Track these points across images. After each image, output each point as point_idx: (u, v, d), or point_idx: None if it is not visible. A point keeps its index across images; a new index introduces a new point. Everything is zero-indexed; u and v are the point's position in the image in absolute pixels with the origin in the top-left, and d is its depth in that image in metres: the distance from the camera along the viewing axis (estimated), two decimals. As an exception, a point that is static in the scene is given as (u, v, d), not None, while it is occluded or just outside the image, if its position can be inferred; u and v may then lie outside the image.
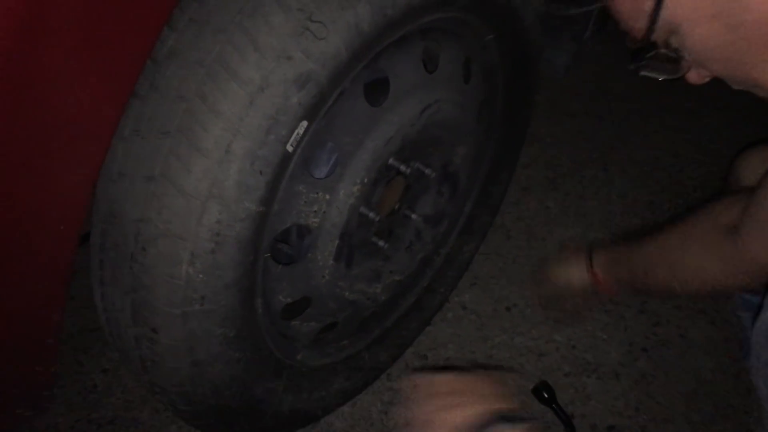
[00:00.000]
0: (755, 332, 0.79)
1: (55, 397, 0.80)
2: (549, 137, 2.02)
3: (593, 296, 1.21)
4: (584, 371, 1.46)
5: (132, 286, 0.78)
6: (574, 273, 1.20)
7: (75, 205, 0.69)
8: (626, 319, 1.56)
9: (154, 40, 0.68)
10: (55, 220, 0.67)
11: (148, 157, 0.74)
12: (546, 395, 1.35)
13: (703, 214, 1.01)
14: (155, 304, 0.78)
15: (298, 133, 0.78)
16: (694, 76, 0.70)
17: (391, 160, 1.00)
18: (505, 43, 1.14)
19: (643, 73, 0.69)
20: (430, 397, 0.77)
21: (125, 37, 0.65)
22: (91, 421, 1.29)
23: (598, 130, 2.09)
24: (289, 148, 0.79)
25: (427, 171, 1.11)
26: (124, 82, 0.68)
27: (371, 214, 1.02)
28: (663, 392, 1.43)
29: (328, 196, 0.92)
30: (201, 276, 0.77)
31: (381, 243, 1.10)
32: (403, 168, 1.04)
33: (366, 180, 0.95)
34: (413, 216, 1.18)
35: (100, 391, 1.34)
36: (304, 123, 0.79)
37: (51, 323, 0.74)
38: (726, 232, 0.95)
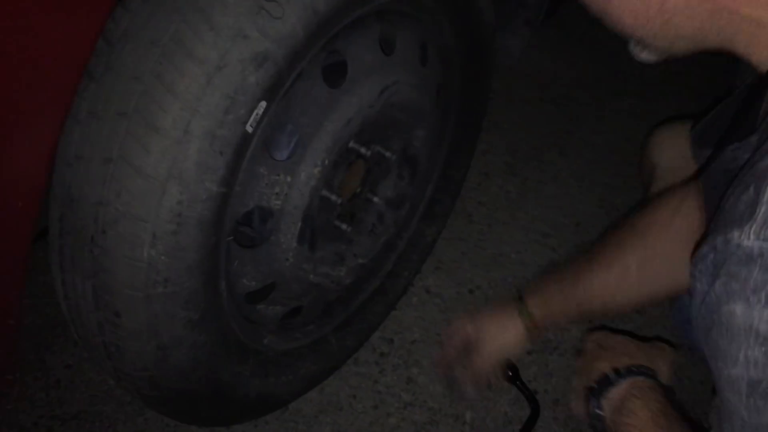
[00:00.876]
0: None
1: (21, 385, 0.78)
2: (507, 123, 2.05)
3: (531, 340, 1.11)
4: (546, 349, 1.49)
5: (93, 270, 0.78)
6: (508, 328, 1.09)
7: (32, 184, 0.68)
8: (586, 298, 1.60)
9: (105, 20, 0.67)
10: (11, 199, 0.66)
11: (105, 139, 0.73)
12: (510, 373, 1.37)
13: (659, 229, 0.98)
14: (117, 288, 0.78)
15: (257, 114, 0.79)
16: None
17: (351, 143, 1.01)
18: (460, 27, 1.16)
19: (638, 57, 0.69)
20: (600, 348, 0.91)
21: (74, 17, 0.65)
22: (54, 417, 1.27)
23: (554, 115, 2.13)
24: (249, 129, 0.79)
25: (388, 154, 1.13)
26: (74, 63, 0.67)
27: (333, 197, 1.03)
28: (623, 366, 1.47)
29: (289, 178, 0.93)
30: (163, 258, 0.77)
31: (344, 226, 1.11)
32: (363, 151, 1.05)
33: (327, 162, 0.96)
34: (375, 199, 1.19)
35: (63, 386, 1.32)
36: (263, 103, 0.79)
37: (12, 304, 0.73)
38: (689, 243, 0.95)
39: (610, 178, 1.93)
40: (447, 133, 1.32)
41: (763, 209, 0.49)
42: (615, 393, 0.84)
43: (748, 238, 0.49)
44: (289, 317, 1.12)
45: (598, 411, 0.85)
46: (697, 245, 0.59)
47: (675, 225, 0.96)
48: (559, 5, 1.49)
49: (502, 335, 1.09)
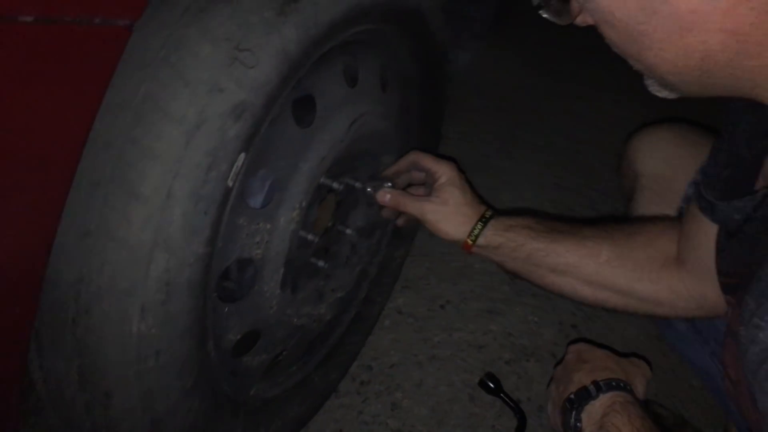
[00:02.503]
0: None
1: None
2: (455, 134, 2.06)
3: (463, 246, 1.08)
4: (523, 356, 1.50)
5: (77, 351, 0.72)
6: (451, 237, 1.07)
7: (29, 284, 0.62)
8: (553, 300, 1.62)
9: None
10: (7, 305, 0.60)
11: (80, 211, 0.68)
12: (492, 386, 1.38)
13: (645, 240, 0.99)
14: (106, 367, 0.72)
15: (237, 167, 0.75)
16: (578, 19, 0.70)
17: (322, 179, 0.98)
18: (416, 49, 1.15)
19: (542, 13, 0.69)
20: (580, 359, 0.94)
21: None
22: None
23: (498, 121, 2.17)
24: (230, 183, 0.75)
25: (357, 184, 1.10)
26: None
27: (310, 236, 1.00)
28: (597, 364, 1.50)
29: (269, 226, 0.89)
30: (153, 330, 0.72)
31: (320, 263, 1.08)
32: (335, 185, 1.02)
33: (304, 203, 0.93)
34: (347, 231, 1.16)
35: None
36: (242, 155, 0.75)
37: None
38: (665, 265, 0.96)
39: (560, 179, 1.97)
40: (409, 155, 1.31)
41: None
42: (595, 407, 0.84)
43: None
44: (273, 362, 1.08)
45: (578, 424, 0.85)
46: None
47: (659, 243, 0.97)
48: (503, 19, 1.51)
49: (444, 221, 1.06)
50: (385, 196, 1.08)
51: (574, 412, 0.86)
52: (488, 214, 1.07)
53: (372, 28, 0.97)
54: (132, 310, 0.70)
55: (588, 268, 0.99)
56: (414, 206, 1.07)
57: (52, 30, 0.45)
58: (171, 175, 0.68)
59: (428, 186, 1.11)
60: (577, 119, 2.20)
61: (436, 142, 1.43)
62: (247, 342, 0.98)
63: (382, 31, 1.02)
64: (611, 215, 1.81)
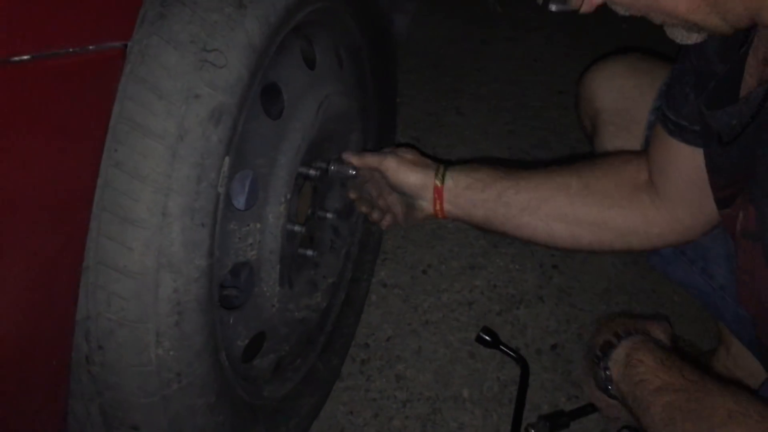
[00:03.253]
0: None
1: None
2: (399, 98, 2.05)
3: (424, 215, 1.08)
4: (512, 305, 1.53)
5: (96, 390, 0.69)
6: (416, 182, 1.03)
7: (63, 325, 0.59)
8: (530, 245, 1.65)
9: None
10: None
11: (74, 247, 0.64)
12: (489, 339, 1.40)
13: (610, 170, 0.98)
14: (129, 400, 0.70)
15: (223, 172, 0.73)
16: (584, 7, 0.69)
17: (300, 168, 0.96)
18: (363, 21, 1.13)
19: (551, 7, 0.69)
20: (603, 325, 0.92)
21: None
22: None
23: (438, 78, 2.17)
24: (220, 190, 0.73)
25: (331, 167, 1.09)
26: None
27: (296, 228, 0.98)
28: (583, 299, 1.55)
29: (259, 225, 0.87)
30: (172, 353, 0.70)
31: (309, 252, 1.07)
32: (311, 173, 1.00)
33: (288, 196, 0.91)
34: (327, 215, 1.15)
35: None
36: (227, 159, 0.73)
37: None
38: (636, 190, 0.96)
39: (510, 125, 2.00)
40: (371, 127, 1.30)
41: None
42: (619, 353, 0.86)
43: None
44: (280, 361, 1.07)
45: (606, 373, 0.87)
46: None
47: (625, 170, 0.98)
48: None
49: (405, 182, 1.04)
50: (349, 155, 1.08)
51: (602, 363, 0.88)
52: (447, 163, 1.06)
53: (322, 6, 0.95)
54: (148, 338, 0.68)
55: (559, 200, 0.98)
56: (376, 158, 1.06)
57: (50, 64, 0.41)
58: (163, 193, 0.65)
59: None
60: (514, 62, 2.22)
61: (392, 114, 1.42)
62: (254, 345, 0.96)
63: (331, 8, 0.99)
64: (569, 155, 1.84)
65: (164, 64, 0.65)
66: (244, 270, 0.89)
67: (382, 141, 1.35)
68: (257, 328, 0.94)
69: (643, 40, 1.26)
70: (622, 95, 1.15)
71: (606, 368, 0.87)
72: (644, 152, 0.98)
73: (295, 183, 0.97)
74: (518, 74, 2.18)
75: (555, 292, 1.55)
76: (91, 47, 0.44)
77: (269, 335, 0.97)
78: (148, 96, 0.64)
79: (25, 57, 0.38)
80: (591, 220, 0.98)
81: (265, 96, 0.89)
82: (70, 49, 0.42)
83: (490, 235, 1.66)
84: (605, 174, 0.99)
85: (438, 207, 1.04)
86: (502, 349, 1.39)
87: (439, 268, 1.61)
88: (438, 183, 1.02)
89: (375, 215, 1.15)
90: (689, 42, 0.68)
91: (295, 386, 1.13)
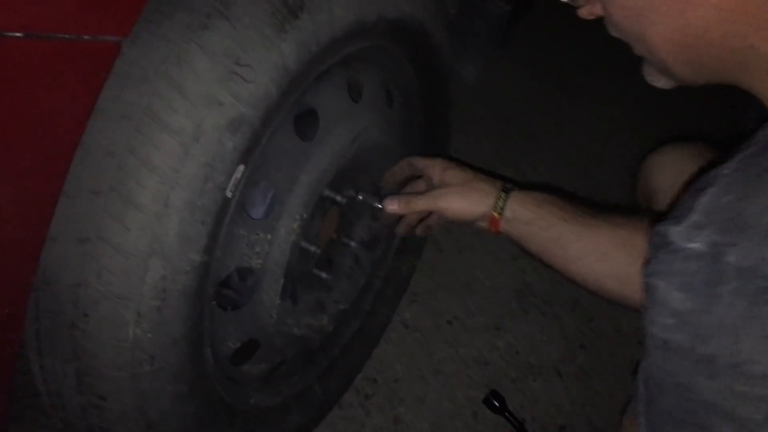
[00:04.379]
0: None
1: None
2: (461, 145, 2.06)
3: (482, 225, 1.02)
4: (529, 374, 1.50)
5: (74, 353, 0.74)
6: (473, 215, 1.00)
7: (19, 286, 0.64)
8: (561, 318, 1.62)
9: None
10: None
11: (79, 218, 0.70)
12: (497, 404, 1.38)
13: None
14: (101, 370, 0.74)
15: (236, 178, 0.77)
16: (584, 11, 0.71)
17: (326, 192, 1.00)
18: (421, 64, 1.17)
19: None
20: None
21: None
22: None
23: (507, 133, 2.17)
24: (228, 194, 0.77)
25: (360, 197, 1.12)
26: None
27: (312, 248, 1.01)
28: (604, 384, 1.49)
29: (269, 236, 0.91)
30: (149, 335, 0.74)
31: (323, 274, 1.09)
32: (338, 198, 1.04)
33: (305, 215, 0.94)
34: (351, 243, 1.18)
35: (36, 463, 1.25)
36: (241, 167, 0.77)
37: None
38: None
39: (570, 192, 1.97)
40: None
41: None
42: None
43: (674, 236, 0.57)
44: (273, 372, 1.09)
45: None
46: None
47: None
48: (511, 33, 1.52)
49: (459, 200, 1.01)
50: (393, 203, 1.04)
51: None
52: (508, 185, 1.01)
53: (374, 45, 0.99)
54: (128, 315, 0.72)
55: (619, 259, 0.93)
56: (424, 201, 1.02)
57: (42, 45, 0.47)
58: (168, 185, 0.70)
59: (428, 186, 1.08)
60: (585, 132, 2.19)
61: (443, 155, 1.44)
62: (246, 350, 0.99)
63: (385, 47, 1.03)
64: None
65: (195, 69, 0.71)
66: (247, 275, 0.93)
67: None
68: (251, 335, 0.97)
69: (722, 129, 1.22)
70: (679, 177, 1.12)
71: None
72: None
73: (320, 205, 1.01)
74: (589, 144, 2.16)
75: (576, 371, 1.51)
76: (86, 37, 0.49)
77: (263, 344, 1.00)
78: (174, 95, 0.70)
79: (18, 34, 0.43)
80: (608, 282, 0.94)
81: (303, 117, 0.94)
82: (66, 35, 0.47)
83: (525, 298, 1.64)
84: None
85: (493, 230, 1.01)
86: (507, 417, 1.36)
87: (465, 321, 1.60)
88: (496, 215, 0.99)
89: (418, 230, 1.15)
90: (657, 85, 0.69)
91: (284, 401, 1.15)
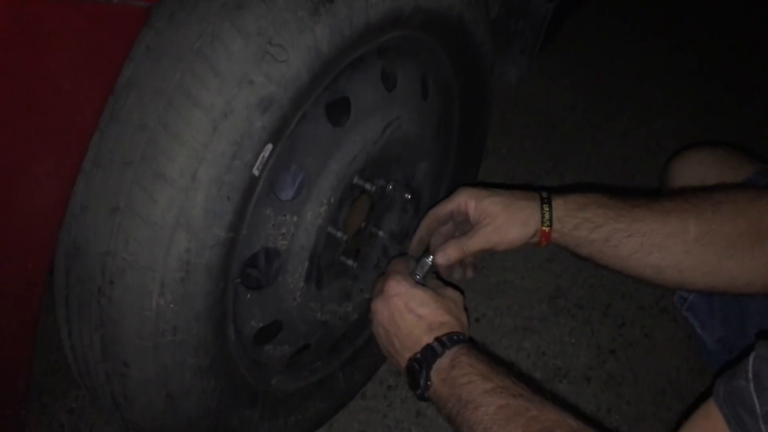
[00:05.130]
0: None
1: None
2: (504, 149, 2.05)
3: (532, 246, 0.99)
4: (555, 376, 1.48)
5: (100, 320, 0.76)
6: (524, 238, 0.96)
7: (42, 245, 0.67)
8: (592, 323, 1.59)
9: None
10: (22, 261, 0.65)
11: (111, 189, 0.72)
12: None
13: (733, 210, 0.90)
14: (125, 338, 0.76)
15: (263, 157, 0.78)
16: None
17: (355, 179, 1.01)
18: (459, 60, 1.16)
19: None
20: (412, 313, 0.91)
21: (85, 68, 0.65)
22: (59, 463, 1.25)
23: (550, 139, 2.14)
24: (255, 172, 0.78)
25: (391, 188, 1.12)
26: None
27: (339, 234, 1.02)
28: (632, 392, 1.46)
29: (296, 219, 0.92)
30: (172, 306, 0.76)
31: (350, 262, 1.10)
32: (368, 187, 1.04)
33: (332, 200, 0.95)
34: (380, 233, 1.18)
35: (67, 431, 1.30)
36: (269, 146, 0.79)
37: (22, 367, 0.72)
38: (760, 238, 0.88)
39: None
40: (448, 165, 1.32)
41: None
42: (442, 363, 0.85)
43: None
44: (296, 356, 1.10)
45: (428, 383, 0.86)
46: None
47: (750, 214, 0.89)
48: (555, 34, 1.51)
49: (511, 228, 0.96)
50: (445, 254, 0.97)
51: (423, 372, 0.86)
52: (544, 194, 0.97)
53: (411, 35, 0.99)
54: (152, 285, 0.74)
55: (675, 247, 0.90)
56: (476, 242, 0.96)
57: (72, 7, 0.49)
58: (197, 160, 0.72)
59: (462, 226, 1.04)
60: (631, 141, 2.15)
61: (477, 157, 1.44)
62: (269, 331, 1.01)
63: (422, 39, 1.04)
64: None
65: (228, 48, 0.72)
66: (273, 257, 0.94)
67: (458, 179, 1.37)
68: (274, 316, 0.98)
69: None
70: (702, 183, 1.10)
71: (428, 379, 0.86)
72: (760, 189, 0.92)
73: (348, 192, 1.02)
74: (634, 153, 2.11)
75: (604, 376, 1.48)
76: (115, 1, 0.51)
77: (286, 326, 1.01)
78: (207, 72, 0.72)
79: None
80: (707, 269, 0.91)
81: (335, 104, 0.95)
82: None
83: (555, 302, 1.62)
84: (729, 218, 0.90)
85: (544, 243, 0.97)
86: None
87: (493, 320, 1.59)
88: (546, 228, 0.95)
89: (456, 275, 1.08)
90: None
91: (307, 386, 1.16)
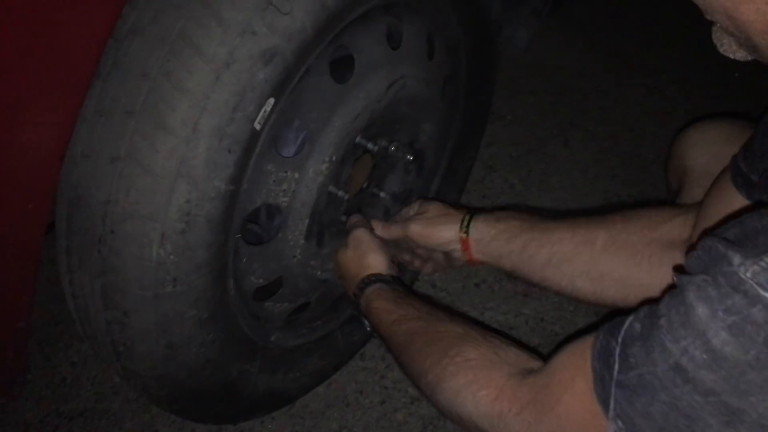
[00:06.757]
0: None
1: (27, 383, 0.78)
2: (510, 115, 2.04)
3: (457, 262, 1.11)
4: (553, 342, 1.48)
5: (101, 269, 0.77)
6: (443, 238, 1.07)
7: (42, 185, 0.67)
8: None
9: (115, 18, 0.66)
10: (22, 201, 0.65)
11: (112, 137, 0.72)
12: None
13: (636, 224, 0.94)
14: (126, 287, 0.77)
15: (265, 111, 0.78)
16: None
17: (358, 139, 1.00)
18: (467, 19, 1.15)
19: None
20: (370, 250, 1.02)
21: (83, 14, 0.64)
22: (61, 414, 1.27)
23: (557, 106, 2.12)
24: (257, 126, 0.78)
25: (394, 148, 1.11)
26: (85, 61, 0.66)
27: (340, 193, 1.02)
28: (629, 359, 1.47)
29: (297, 175, 0.92)
30: (172, 257, 0.76)
31: (351, 222, 1.10)
32: (370, 146, 1.04)
33: (334, 158, 0.95)
34: (381, 194, 1.18)
35: (69, 383, 1.32)
36: (271, 100, 0.78)
37: (22, 307, 0.73)
38: (669, 248, 0.90)
39: (615, 170, 1.92)
40: (453, 126, 1.31)
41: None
42: (362, 302, 0.98)
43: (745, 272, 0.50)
44: (296, 314, 1.11)
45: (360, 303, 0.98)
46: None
47: (660, 227, 0.93)
48: (564, -3, 1.48)
49: (435, 235, 1.07)
50: (377, 226, 1.11)
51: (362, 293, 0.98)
52: (473, 210, 1.08)
53: (418, -9, 0.98)
54: (153, 235, 0.74)
55: (583, 256, 0.95)
56: (395, 228, 1.10)
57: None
58: (198, 110, 0.71)
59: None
60: (642, 109, 2.12)
61: (482, 120, 1.43)
62: (269, 288, 1.01)
63: (430, -4, 1.02)
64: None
65: (232, -3, 0.71)
66: (274, 213, 0.94)
67: (463, 141, 1.36)
68: (275, 272, 0.99)
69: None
70: (714, 158, 1.09)
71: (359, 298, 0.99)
72: (692, 209, 0.93)
73: (351, 151, 1.01)
74: (643, 122, 2.09)
75: (602, 343, 1.49)
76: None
77: (286, 283, 1.02)
78: (210, 21, 0.71)
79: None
80: (616, 277, 0.94)
81: (339, 61, 0.94)
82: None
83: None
84: (637, 229, 0.94)
85: (468, 257, 1.07)
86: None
87: (493, 285, 1.59)
88: (463, 235, 1.05)
89: (417, 263, 1.21)
90: (729, 55, 0.64)
91: (306, 344, 1.17)
